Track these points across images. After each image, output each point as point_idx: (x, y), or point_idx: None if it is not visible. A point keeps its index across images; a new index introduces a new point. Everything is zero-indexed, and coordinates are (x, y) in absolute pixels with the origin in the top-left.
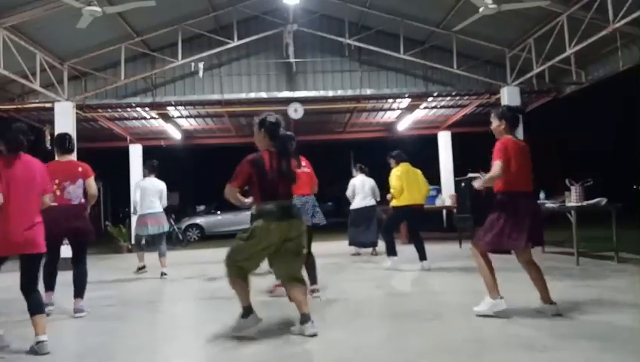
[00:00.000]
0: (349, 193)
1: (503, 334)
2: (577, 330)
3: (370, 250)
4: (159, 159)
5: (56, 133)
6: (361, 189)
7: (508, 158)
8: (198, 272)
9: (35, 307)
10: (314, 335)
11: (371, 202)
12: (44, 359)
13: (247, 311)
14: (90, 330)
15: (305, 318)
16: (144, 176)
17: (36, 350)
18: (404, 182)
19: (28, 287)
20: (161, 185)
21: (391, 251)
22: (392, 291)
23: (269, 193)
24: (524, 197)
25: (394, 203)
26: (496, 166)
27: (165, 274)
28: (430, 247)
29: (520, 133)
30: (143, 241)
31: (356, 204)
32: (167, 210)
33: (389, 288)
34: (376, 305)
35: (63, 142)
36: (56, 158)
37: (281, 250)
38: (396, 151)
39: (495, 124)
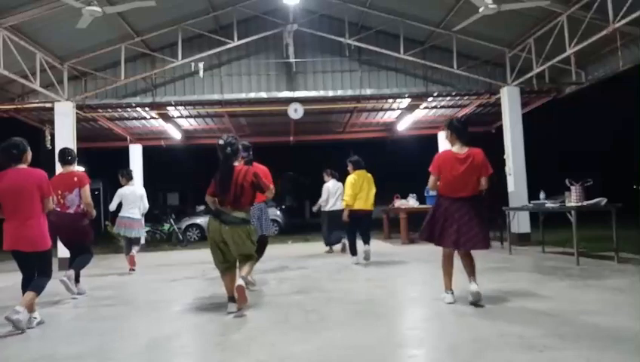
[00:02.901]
0: (323, 198)
1: (502, 334)
2: (577, 330)
3: (339, 246)
4: (159, 159)
5: (57, 137)
6: (333, 193)
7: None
8: (198, 272)
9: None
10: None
11: (342, 205)
12: (44, 358)
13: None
14: (90, 330)
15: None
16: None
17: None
18: (358, 189)
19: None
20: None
21: (353, 251)
22: (392, 291)
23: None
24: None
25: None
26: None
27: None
28: (430, 247)
29: (519, 133)
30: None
31: (330, 206)
32: (167, 210)
33: (388, 288)
34: (376, 305)
35: (62, 156)
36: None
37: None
38: (355, 157)
39: (445, 134)
